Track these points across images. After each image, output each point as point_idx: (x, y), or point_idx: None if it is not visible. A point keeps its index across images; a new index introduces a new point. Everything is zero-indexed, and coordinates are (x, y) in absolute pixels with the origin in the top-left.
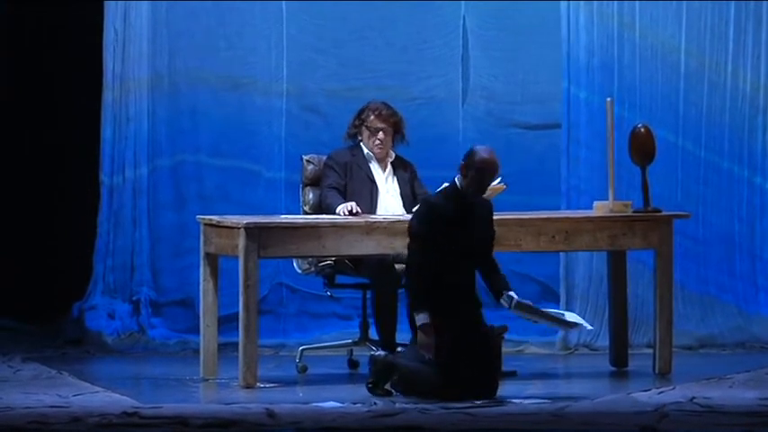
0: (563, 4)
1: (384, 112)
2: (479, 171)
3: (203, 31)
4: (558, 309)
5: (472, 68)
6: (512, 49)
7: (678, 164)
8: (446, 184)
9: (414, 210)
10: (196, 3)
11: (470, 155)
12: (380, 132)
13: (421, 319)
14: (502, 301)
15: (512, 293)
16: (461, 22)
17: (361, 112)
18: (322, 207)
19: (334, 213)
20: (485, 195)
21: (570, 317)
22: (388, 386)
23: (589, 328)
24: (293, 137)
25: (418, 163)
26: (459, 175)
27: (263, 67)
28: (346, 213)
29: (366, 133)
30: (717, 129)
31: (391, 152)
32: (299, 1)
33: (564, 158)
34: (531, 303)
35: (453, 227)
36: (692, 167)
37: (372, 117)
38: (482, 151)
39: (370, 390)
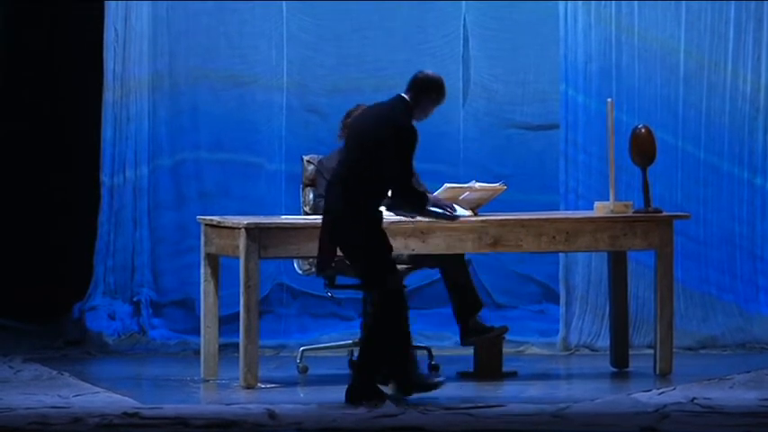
0: (561, 5)
1: None
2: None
3: (204, 31)
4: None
5: (472, 68)
6: (512, 48)
7: (678, 165)
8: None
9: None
10: (197, 2)
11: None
12: None
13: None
14: None
15: None
16: (462, 21)
17: None
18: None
19: None
20: (485, 198)
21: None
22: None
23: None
24: (293, 133)
25: (417, 160)
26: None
27: (263, 65)
28: None
29: None
30: (717, 130)
31: None
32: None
33: (562, 161)
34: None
35: None
36: (693, 168)
37: None
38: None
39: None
